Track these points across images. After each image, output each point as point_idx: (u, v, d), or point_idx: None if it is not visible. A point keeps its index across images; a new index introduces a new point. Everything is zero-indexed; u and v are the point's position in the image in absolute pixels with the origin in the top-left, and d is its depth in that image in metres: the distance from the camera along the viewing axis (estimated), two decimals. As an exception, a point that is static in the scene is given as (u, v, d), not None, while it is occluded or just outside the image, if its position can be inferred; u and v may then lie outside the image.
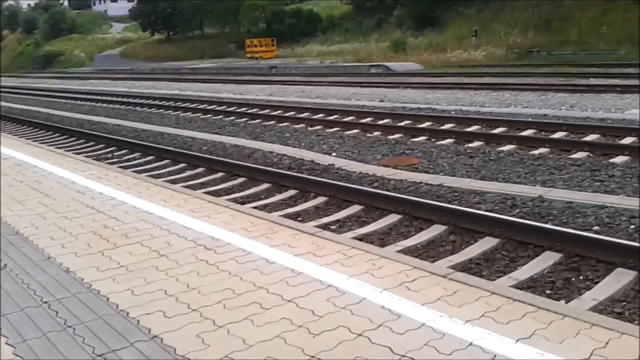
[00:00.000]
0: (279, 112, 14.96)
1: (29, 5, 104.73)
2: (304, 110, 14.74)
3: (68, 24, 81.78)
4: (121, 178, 6.87)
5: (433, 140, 10.09)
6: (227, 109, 16.26)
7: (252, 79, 28.57)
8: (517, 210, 5.78)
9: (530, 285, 4.23)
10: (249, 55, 47.02)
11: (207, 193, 6.90)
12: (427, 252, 5.05)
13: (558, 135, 9.60)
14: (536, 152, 8.58)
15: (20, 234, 4.85)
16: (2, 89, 33.74)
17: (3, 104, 23.86)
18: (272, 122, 13.60)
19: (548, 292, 4.13)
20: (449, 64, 29.03)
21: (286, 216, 5.91)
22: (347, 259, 3.93)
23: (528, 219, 5.39)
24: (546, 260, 4.56)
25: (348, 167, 8.25)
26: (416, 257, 4.47)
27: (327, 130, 11.92)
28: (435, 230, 5.43)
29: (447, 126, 11.19)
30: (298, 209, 6.56)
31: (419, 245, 5.17)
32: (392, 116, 12.69)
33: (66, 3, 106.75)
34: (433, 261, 4.61)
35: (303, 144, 10.70)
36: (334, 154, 9.56)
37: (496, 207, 5.91)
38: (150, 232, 4.71)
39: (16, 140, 10.91)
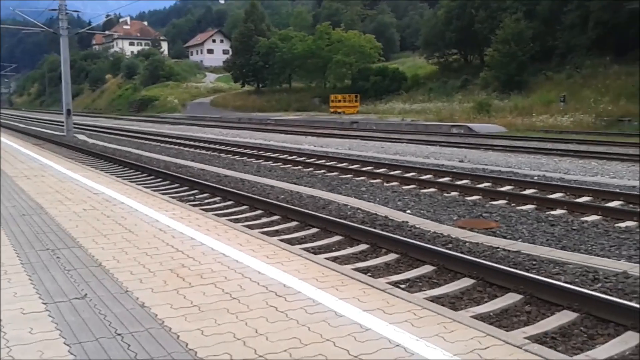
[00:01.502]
0: (356, 166, 15.09)
1: (132, 52, 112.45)
2: (381, 166, 14.80)
3: (165, 72, 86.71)
4: (202, 220, 7.11)
5: (513, 205, 9.84)
6: (307, 160, 16.58)
7: (333, 133, 29.07)
8: (599, 285, 5.50)
9: (610, 365, 3.99)
10: (332, 109, 48.00)
11: (281, 241, 7.00)
12: (500, 320, 4.88)
13: (648, 209, 9.13)
14: (622, 225, 8.18)
15: (102, 266, 5.09)
16: (99, 129, 36.11)
17: (98, 142, 25.44)
18: (349, 175, 13.72)
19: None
20: (533, 128, 28.40)
21: (356, 270, 5.88)
22: (418, 320, 3.86)
23: (610, 295, 5.12)
24: (628, 340, 4.29)
25: (422, 225, 8.17)
26: (489, 325, 4.32)
27: (404, 187, 11.89)
28: (510, 298, 5.25)
29: (528, 191, 10.89)
30: (368, 264, 6.54)
31: (492, 313, 5.00)
32: (472, 177, 12.50)
33: (166, 52, 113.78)
34: (507, 330, 4.44)
35: (378, 199, 10.71)
36: (408, 211, 9.50)
37: (576, 280, 5.65)
38: (224, 275, 4.83)
39: (107, 177, 11.55)
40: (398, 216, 8.77)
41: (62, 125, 30.80)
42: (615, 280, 5.57)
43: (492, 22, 42.78)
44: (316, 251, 6.97)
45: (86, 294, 4.35)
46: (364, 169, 14.47)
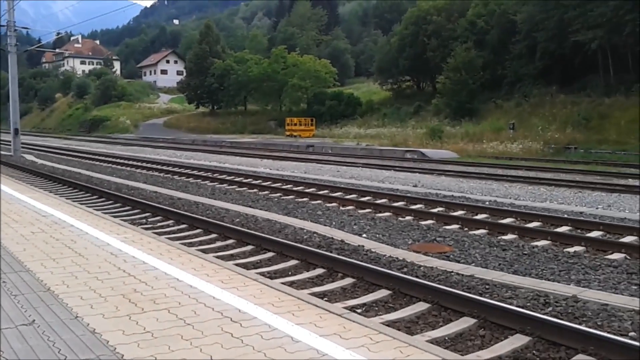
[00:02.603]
0: (312, 189, 15.11)
1: (83, 71, 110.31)
2: (337, 190, 14.86)
3: (118, 92, 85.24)
4: (154, 243, 6.97)
5: (466, 229, 10.02)
6: (262, 183, 16.51)
7: (289, 156, 29.08)
8: (550, 309, 5.63)
9: (562, 388, 4.06)
10: (288, 133, 48.10)
11: (237, 265, 6.91)
12: (455, 344, 4.93)
13: (594, 234, 9.42)
14: (571, 249, 8.42)
15: (51, 291, 4.92)
16: (48, 150, 35.18)
17: (47, 163, 24.73)
18: (305, 199, 13.73)
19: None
20: (484, 154, 29.14)
21: (313, 295, 5.85)
22: (374, 344, 3.85)
23: (561, 319, 5.24)
24: (579, 363, 4.39)
25: (378, 249, 8.22)
26: (445, 349, 4.35)
27: (359, 211, 11.96)
28: (465, 322, 5.32)
29: (480, 216, 11.11)
30: (325, 288, 6.52)
31: (447, 337, 5.05)
32: (425, 202, 12.69)
33: (118, 72, 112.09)
34: (462, 354, 4.49)
35: (334, 223, 10.73)
36: (364, 235, 9.55)
37: (528, 304, 5.76)
38: (178, 300, 4.73)
39: (56, 199, 11.22)
40: (354, 240, 8.81)
41: (9, 145, 29.84)
42: (565, 304, 5.71)
43: (443, 51, 43.97)
44: (272, 276, 6.91)
45: (34, 320, 4.19)
46: (320, 192, 14.50)
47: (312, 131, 47.71)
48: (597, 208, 12.18)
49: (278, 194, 14.60)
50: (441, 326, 5.30)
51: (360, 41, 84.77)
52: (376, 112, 50.72)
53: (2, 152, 30.92)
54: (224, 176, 18.54)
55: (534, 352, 4.71)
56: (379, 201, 13.00)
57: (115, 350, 3.66)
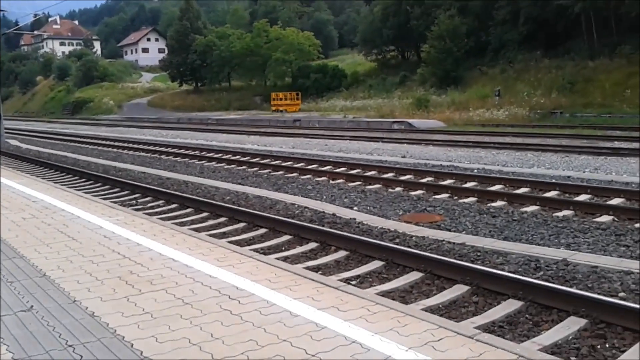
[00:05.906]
0: (301, 164, 15.11)
1: (63, 52, 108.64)
2: (326, 164, 14.88)
3: (99, 72, 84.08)
4: (147, 225, 6.97)
5: (455, 198, 10.10)
6: (251, 160, 16.48)
7: (276, 132, 29.01)
8: (541, 273, 5.73)
9: (555, 351, 4.15)
10: (273, 108, 47.86)
11: (230, 242, 6.95)
12: (450, 312, 5.01)
13: (582, 197, 9.55)
14: (560, 214, 8.54)
15: (47, 277, 4.92)
16: (32, 134, 34.78)
17: (32, 147, 24.49)
18: (295, 174, 13.74)
19: (573, 359, 4.06)
20: (471, 122, 29.22)
21: (308, 269, 5.91)
22: (372, 315, 3.92)
23: (552, 282, 5.34)
24: (571, 325, 4.49)
25: (369, 221, 8.28)
26: (440, 317, 4.43)
27: (349, 184, 12.00)
28: (458, 290, 5.40)
29: (469, 184, 11.19)
30: (319, 262, 6.58)
31: (441, 305, 5.13)
32: (414, 172, 12.74)
33: (99, 52, 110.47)
34: (457, 321, 4.57)
35: (325, 197, 10.78)
36: (355, 208, 9.61)
37: (520, 269, 5.87)
38: (175, 280, 4.76)
39: (44, 184, 11.15)
40: (345, 213, 8.86)
41: (-8, 131, 29.45)
42: (556, 268, 5.81)
43: (427, 19, 43.65)
44: (266, 252, 6.96)
45: (32, 306, 4.21)
46: (309, 167, 14.51)
47: (298, 105, 47.51)
48: (584, 172, 12.31)
49: (267, 170, 14.59)
50: (435, 294, 5.39)
51: (342, 12, 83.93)
52: (362, 83, 50.50)
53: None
54: (212, 154, 18.47)
55: (527, 316, 4.81)
56: (368, 173, 13.04)
57: (116, 332, 3.70)
